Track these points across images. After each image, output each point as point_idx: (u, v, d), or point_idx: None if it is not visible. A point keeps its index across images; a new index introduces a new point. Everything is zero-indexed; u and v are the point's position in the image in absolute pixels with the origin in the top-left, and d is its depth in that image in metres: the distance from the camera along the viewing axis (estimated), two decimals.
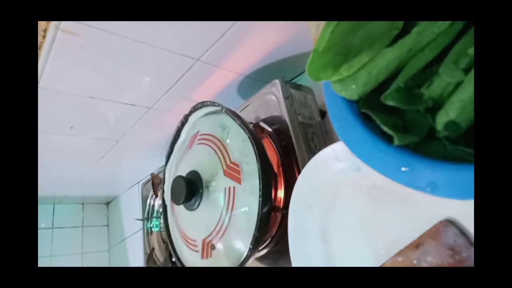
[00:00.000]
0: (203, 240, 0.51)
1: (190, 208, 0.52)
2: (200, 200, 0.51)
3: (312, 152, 0.51)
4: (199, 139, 0.54)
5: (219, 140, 0.51)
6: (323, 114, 0.58)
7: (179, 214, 0.56)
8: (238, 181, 0.47)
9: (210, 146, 0.52)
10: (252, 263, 0.49)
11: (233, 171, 0.48)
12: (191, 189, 0.50)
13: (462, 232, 0.31)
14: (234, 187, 0.48)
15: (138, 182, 1.16)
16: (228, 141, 0.51)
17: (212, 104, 0.55)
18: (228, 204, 0.48)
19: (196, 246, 0.52)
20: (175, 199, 0.52)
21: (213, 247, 0.50)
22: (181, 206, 0.53)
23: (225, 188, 0.48)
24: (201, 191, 0.51)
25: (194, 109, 0.58)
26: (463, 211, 0.31)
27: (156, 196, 0.79)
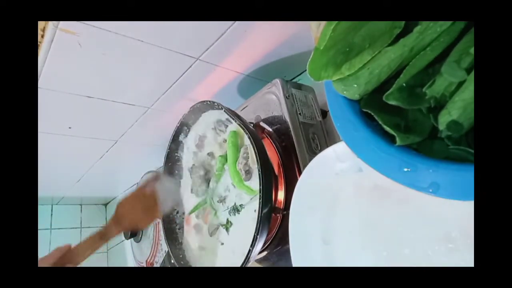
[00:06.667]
0: (146, 261, 0.90)
1: (137, 241, 0.96)
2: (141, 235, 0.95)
3: (313, 153, 0.51)
4: None
5: None
6: (324, 113, 0.57)
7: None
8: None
9: None
10: (252, 265, 0.48)
11: None
12: None
13: None
14: (158, 223, 0.86)
15: (137, 183, 1.16)
16: None
17: (212, 103, 0.55)
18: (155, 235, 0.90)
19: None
20: (125, 236, 0.97)
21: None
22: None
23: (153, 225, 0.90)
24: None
25: (193, 108, 0.58)
26: (466, 212, 0.31)
27: None
